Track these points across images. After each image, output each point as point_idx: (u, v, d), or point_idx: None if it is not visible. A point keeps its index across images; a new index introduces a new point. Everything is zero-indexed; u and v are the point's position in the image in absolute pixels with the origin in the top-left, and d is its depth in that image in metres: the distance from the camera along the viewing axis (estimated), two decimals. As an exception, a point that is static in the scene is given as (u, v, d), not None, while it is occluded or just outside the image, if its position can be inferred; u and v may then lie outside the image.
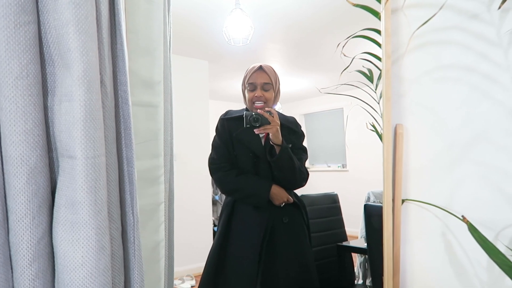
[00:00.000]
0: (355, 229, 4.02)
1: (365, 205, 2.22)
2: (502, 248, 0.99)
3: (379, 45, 1.28)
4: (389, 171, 1.14)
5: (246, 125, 1.51)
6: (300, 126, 1.80)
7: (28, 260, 0.76)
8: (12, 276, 0.78)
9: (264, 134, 1.64)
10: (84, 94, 0.73)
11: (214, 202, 5.34)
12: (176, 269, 3.73)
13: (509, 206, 0.99)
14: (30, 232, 0.75)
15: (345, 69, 1.39)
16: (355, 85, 1.67)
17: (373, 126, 1.67)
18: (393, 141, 1.16)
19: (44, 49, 0.76)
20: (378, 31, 1.22)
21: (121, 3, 0.88)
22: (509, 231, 1.01)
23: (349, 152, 6.26)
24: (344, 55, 1.43)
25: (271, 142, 1.57)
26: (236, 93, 5.87)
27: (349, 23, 3.20)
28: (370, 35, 1.30)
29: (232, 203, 1.68)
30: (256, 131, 1.54)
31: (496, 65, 0.99)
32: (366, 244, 2.25)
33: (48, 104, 0.77)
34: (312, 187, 5.88)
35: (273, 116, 1.53)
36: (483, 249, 0.86)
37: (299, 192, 1.79)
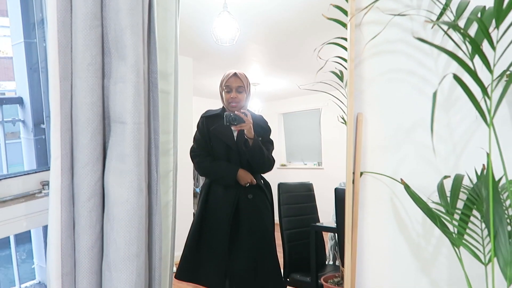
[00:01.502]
0: (329, 221, 4.36)
1: (335, 189, 2.55)
2: (431, 204, 1.34)
3: (347, 49, 1.62)
4: (350, 149, 1.48)
5: (226, 123, 1.90)
6: (267, 122, 2.23)
7: (87, 196, 1.05)
8: (74, 209, 1.07)
9: (237, 131, 2.05)
10: (135, 77, 1.03)
11: (195, 195, 5.61)
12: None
13: (436, 176, 1.34)
14: (90, 176, 1.05)
15: (319, 69, 1.72)
16: (329, 84, 2.01)
17: (343, 119, 2.03)
18: (355, 127, 1.50)
19: (105, 45, 1.06)
20: (347, 39, 1.56)
21: (155, 12, 1.18)
22: (435, 195, 1.35)
23: (324, 151, 6.64)
24: (320, 58, 1.76)
25: (245, 136, 1.97)
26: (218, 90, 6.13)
27: (325, 28, 3.53)
28: (342, 42, 1.64)
29: (208, 185, 2.09)
30: (233, 128, 1.96)
31: (429, 70, 1.34)
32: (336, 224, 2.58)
33: (105, 85, 1.07)
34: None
35: (247, 116, 1.94)
36: (414, 202, 1.20)
37: (277, 181, 2.18)
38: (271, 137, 2.19)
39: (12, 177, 1.29)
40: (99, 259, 1.08)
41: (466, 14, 1.16)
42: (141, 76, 1.05)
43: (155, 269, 1.22)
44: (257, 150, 1.97)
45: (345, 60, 1.73)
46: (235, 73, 2.08)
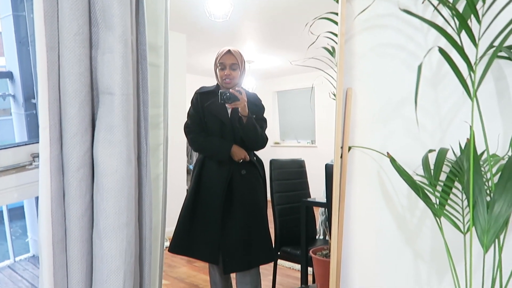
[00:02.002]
0: (320, 196, 4.42)
1: (326, 164, 2.58)
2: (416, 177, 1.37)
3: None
4: (339, 124, 1.49)
5: (220, 101, 1.90)
6: (261, 101, 2.23)
7: (77, 167, 1.06)
8: (63, 179, 1.08)
9: (231, 108, 2.05)
10: (122, 48, 1.03)
11: (189, 171, 5.63)
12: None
13: (423, 150, 1.36)
14: (79, 146, 1.06)
15: (311, 44, 1.72)
16: (321, 60, 2.01)
17: (334, 95, 2.04)
18: (344, 101, 1.51)
19: (91, 15, 1.05)
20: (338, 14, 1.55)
21: (143, -18, 1.17)
22: (421, 169, 1.38)
23: (318, 129, 6.67)
24: (312, 33, 1.76)
25: (239, 114, 1.98)
26: (213, 68, 6.08)
27: (320, 3, 3.49)
28: (334, 17, 1.63)
29: (202, 161, 2.10)
30: (228, 105, 1.97)
31: (419, 45, 1.34)
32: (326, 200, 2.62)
33: (93, 55, 1.07)
34: (282, 161, 6.27)
35: (241, 94, 1.94)
36: (399, 174, 1.22)
37: (269, 157, 2.20)
38: (264, 115, 2.21)
39: (2, 149, 1.29)
40: (90, 228, 1.10)
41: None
42: (129, 46, 1.05)
43: (145, 239, 1.25)
44: (251, 127, 1.99)
45: (336, 35, 1.73)
46: (229, 50, 2.07)
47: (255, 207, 2.07)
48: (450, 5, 0.89)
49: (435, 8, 1.06)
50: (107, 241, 1.06)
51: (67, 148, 1.05)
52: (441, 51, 0.89)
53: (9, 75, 1.59)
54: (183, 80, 4.59)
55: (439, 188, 1.12)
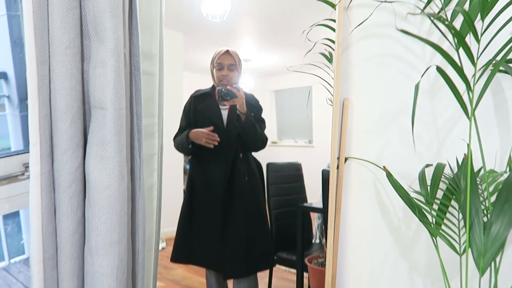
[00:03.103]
0: (317, 200, 4.41)
1: (322, 170, 2.57)
2: (412, 193, 1.36)
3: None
4: (335, 135, 1.48)
5: (218, 99, 1.88)
6: (258, 101, 2.19)
7: (68, 182, 1.05)
8: (55, 195, 1.06)
9: (228, 107, 2.02)
10: (114, 62, 1.01)
11: (185, 171, 5.61)
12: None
13: (419, 162, 1.35)
14: (71, 162, 1.04)
15: (308, 52, 1.70)
16: (318, 66, 1.99)
17: (331, 101, 2.02)
18: (341, 112, 1.50)
19: (83, 27, 1.02)
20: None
21: (137, -8, 1.14)
22: (417, 182, 1.37)
23: (315, 129, 6.65)
24: (309, 40, 1.73)
25: (238, 112, 1.94)
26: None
27: (318, 5, 3.47)
28: (332, 24, 1.61)
29: (197, 161, 2.07)
30: (226, 103, 1.93)
31: (416, 56, 1.33)
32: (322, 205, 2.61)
33: (85, 69, 1.05)
34: (279, 160, 6.26)
35: (239, 91, 1.91)
36: (395, 189, 1.21)
37: (268, 158, 2.17)
38: (262, 115, 2.17)
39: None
40: (81, 244, 1.09)
41: (454, 2, 1.14)
42: (121, 60, 1.03)
43: (138, 253, 1.23)
44: (250, 125, 1.95)
45: (333, 42, 1.71)
46: (227, 50, 2.04)
47: (257, 212, 2.03)
48: (447, 23, 0.87)
49: (432, 21, 1.05)
50: (99, 259, 1.04)
51: (58, 164, 1.03)
52: (439, 70, 0.87)
53: (3, 75, 1.56)
54: (180, 78, 4.55)
55: (435, 207, 1.11)
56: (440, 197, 1.12)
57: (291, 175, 3.29)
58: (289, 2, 3.50)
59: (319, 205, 2.96)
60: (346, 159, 1.53)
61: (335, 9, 1.49)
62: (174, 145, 2.10)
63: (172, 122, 4.65)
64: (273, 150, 7.27)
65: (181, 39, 4.53)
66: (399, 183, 1.18)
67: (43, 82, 0.98)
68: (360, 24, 1.21)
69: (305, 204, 2.97)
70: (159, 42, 1.54)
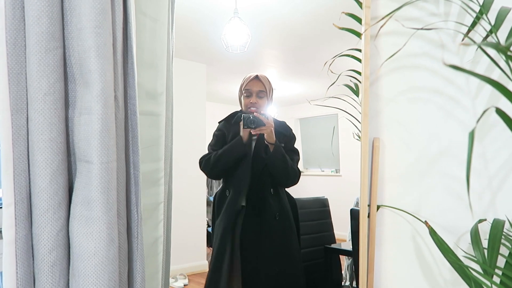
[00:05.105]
0: (345, 232, 4.14)
1: (351, 210, 2.34)
2: (460, 252, 1.13)
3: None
4: (365, 179, 1.27)
5: (244, 126, 1.68)
6: (291, 130, 1.96)
7: (48, 249, 0.89)
8: (33, 263, 0.91)
9: (256, 135, 1.81)
10: (101, 109, 0.86)
11: (209, 203, 5.47)
12: (170, 267, 3.83)
13: (468, 214, 1.13)
14: (51, 225, 0.88)
15: (331, 85, 1.52)
16: (343, 99, 1.81)
17: (359, 136, 1.82)
18: (371, 153, 1.30)
19: (68, 69, 0.89)
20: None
21: (133, 28, 1.01)
22: (468, 236, 1.14)
23: (342, 157, 6.40)
24: (332, 72, 1.56)
25: (265, 142, 1.73)
26: (232, 96, 5.98)
27: (341, 33, 3.33)
28: (357, 54, 1.44)
29: (224, 198, 1.81)
30: (252, 131, 1.72)
31: (459, 89, 1.13)
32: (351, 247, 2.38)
33: (69, 116, 0.90)
34: (305, 191, 6.03)
35: (267, 119, 1.71)
36: (439, 250, 0.99)
37: (294, 188, 1.93)
38: (296, 145, 1.95)
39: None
40: (63, 322, 0.92)
41: (506, 24, 0.95)
42: (110, 106, 0.88)
43: (136, 324, 1.05)
44: (279, 157, 1.73)
45: (360, 73, 1.53)
46: (257, 75, 1.86)
47: (287, 260, 1.78)
48: (501, 47, 0.68)
49: (479, 46, 0.86)
50: None
51: (36, 227, 0.88)
52: (499, 112, 0.67)
53: None
54: (203, 108, 4.48)
55: (496, 279, 0.89)
56: (502, 268, 0.89)
57: (317, 211, 3.08)
58: (310, 31, 3.38)
59: (348, 245, 2.73)
60: (378, 207, 1.32)
61: (361, 39, 1.32)
62: (206, 166, 1.83)
63: (194, 153, 4.50)
64: (299, 180, 7.03)
65: (204, 71, 4.51)
66: (447, 245, 0.97)
67: (20, 134, 0.84)
68: (393, 55, 1.03)
69: (333, 246, 2.74)
70: (167, 80, 1.40)
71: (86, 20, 0.85)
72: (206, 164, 1.83)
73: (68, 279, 0.93)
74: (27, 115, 0.85)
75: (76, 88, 0.89)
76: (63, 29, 0.87)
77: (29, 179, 0.88)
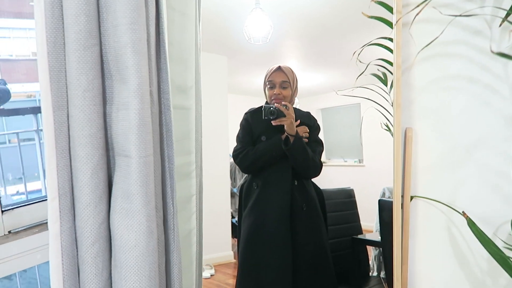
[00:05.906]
0: (370, 223, 4.12)
1: (379, 200, 2.32)
2: (500, 243, 1.11)
3: (392, 52, 1.39)
4: (398, 170, 1.26)
5: (264, 117, 1.69)
6: (316, 120, 1.95)
7: (91, 241, 0.92)
8: (77, 254, 0.94)
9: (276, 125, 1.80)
10: (139, 104, 0.88)
11: (232, 195, 5.51)
12: (198, 258, 3.90)
13: (506, 205, 1.11)
14: (93, 218, 0.91)
15: (360, 74, 1.51)
16: (371, 89, 1.79)
17: (387, 126, 1.80)
18: (403, 143, 1.28)
19: (104, 66, 0.91)
20: (392, 39, 1.34)
21: (165, 23, 1.02)
22: (506, 227, 1.12)
23: (365, 147, 6.32)
24: (360, 62, 1.54)
25: (286, 133, 1.74)
26: (254, 87, 5.98)
27: (368, 23, 3.27)
28: (386, 43, 1.42)
29: (253, 190, 1.82)
30: (272, 122, 1.73)
31: (496, 76, 1.10)
32: (380, 238, 2.36)
33: (107, 111, 0.93)
34: (329, 181, 6.00)
35: (288, 110, 1.70)
36: (479, 242, 0.98)
37: (316, 179, 1.93)
38: (320, 136, 1.94)
39: (22, 206, 1.18)
40: (107, 311, 0.95)
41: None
42: (146, 101, 0.90)
43: (174, 313, 1.08)
44: (299, 149, 1.72)
45: (389, 63, 1.50)
46: (279, 66, 1.86)
47: (317, 249, 1.79)
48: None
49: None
50: (126, 330, 0.90)
51: (80, 220, 0.91)
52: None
53: (38, 110, 1.50)
54: (224, 100, 4.51)
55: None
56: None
57: (343, 202, 3.06)
58: (333, 20, 3.34)
59: (375, 236, 2.71)
60: (411, 197, 1.30)
61: (392, 28, 1.29)
62: (244, 161, 1.84)
63: (217, 145, 4.50)
64: (322, 171, 7.00)
65: (225, 63, 4.52)
66: (487, 236, 0.95)
67: (61, 130, 0.87)
68: (431, 42, 1.01)
69: (360, 236, 2.72)
70: (196, 74, 1.41)
71: (121, 17, 0.86)
72: (243, 159, 1.83)
73: (111, 270, 0.96)
74: (68, 111, 0.88)
75: (113, 84, 0.91)
76: (99, 26, 0.89)
77: (71, 173, 0.90)
